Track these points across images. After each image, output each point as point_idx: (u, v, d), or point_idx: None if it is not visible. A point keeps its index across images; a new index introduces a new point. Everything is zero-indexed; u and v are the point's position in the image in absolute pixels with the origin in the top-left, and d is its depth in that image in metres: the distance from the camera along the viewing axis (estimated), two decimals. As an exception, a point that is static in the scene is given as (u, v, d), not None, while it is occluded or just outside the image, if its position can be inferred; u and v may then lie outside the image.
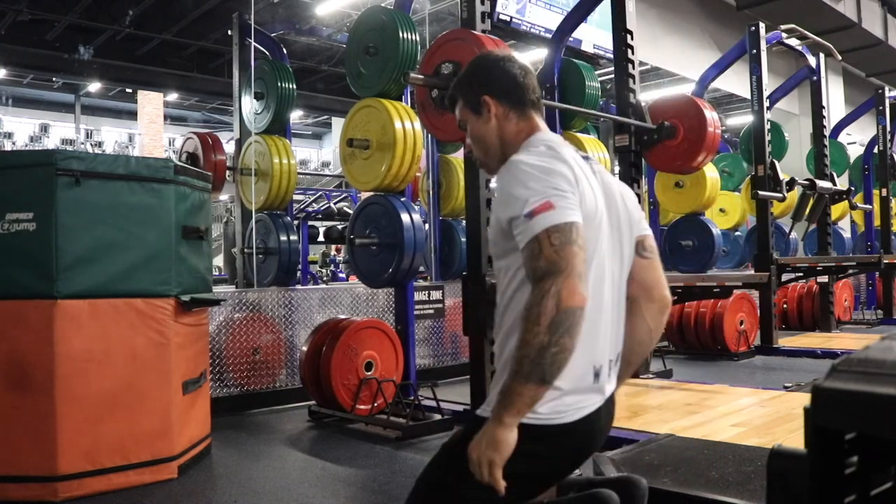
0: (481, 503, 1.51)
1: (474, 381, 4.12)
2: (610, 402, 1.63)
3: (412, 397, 4.28)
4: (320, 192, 10.80)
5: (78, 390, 3.01)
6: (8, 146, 19.53)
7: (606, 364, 1.57)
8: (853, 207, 8.84)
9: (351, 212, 6.82)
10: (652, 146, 5.19)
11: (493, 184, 4.13)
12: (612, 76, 5.51)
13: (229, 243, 8.24)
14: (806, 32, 7.22)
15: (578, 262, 1.37)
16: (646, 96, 6.24)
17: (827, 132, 8.11)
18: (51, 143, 20.91)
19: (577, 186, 1.46)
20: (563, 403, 1.48)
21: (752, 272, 7.03)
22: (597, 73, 6.41)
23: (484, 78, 1.69)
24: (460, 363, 5.87)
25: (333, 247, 14.23)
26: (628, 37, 5.09)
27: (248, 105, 6.05)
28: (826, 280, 7.73)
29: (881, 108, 9.28)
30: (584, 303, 1.36)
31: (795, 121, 12.68)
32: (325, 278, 13.70)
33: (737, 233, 9.38)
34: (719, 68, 6.97)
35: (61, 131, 21.60)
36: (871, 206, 9.64)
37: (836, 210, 9.04)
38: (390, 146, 4.35)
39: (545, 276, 1.36)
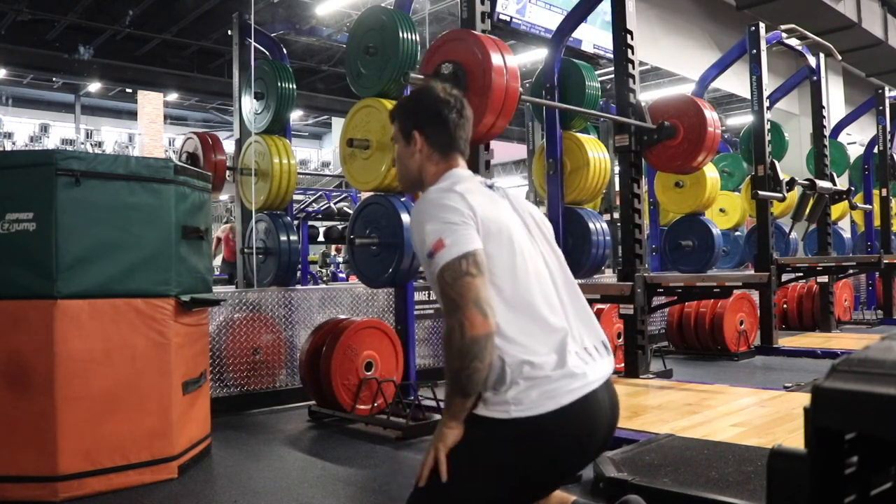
0: (487, 501, 1.60)
1: (474, 381, 4.12)
2: (606, 392, 1.67)
3: (412, 397, 4.28)
4: (320, 192, 10.79)
5: (78, 390, 3.01)
6: (8, 146, 19.53)
7: (575, 349, 1.64)
8: (853, 207, 8.84)
9: (351, 212, 6.82)
10: (652, 146, 5.19)
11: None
12: (612, 76, 5.51)
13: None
14: (806, 32, 7.22)
15: (473, 292, 1.55)
16: (646, 96, 6.24)
17: (827, 132, 8.11)
18: (51, 143, 20.92)
19: (475, 211, 1.63)
20: (536, 394, 1.56)
21: (752, 272, 7.03)
22: (597, 73, 6.41)
23: (421, 115, 1.84)
24: (460, 363, 5.85)
25: (333, 247, 14.22)
26: (628, 37, 5.10)
27: (248, 105, 6.04)
28: (826, 280, 7.73)
29: (881, 108, 9.28)
30: (487, 329, 1.55)
31: (795, 121, 12.68)
32: (325, 278, 13.70)
33: (737, 233, 9.38)
34: (719, 68, 6.97)
35: (61, 131, 21.61)
36: (871, 206, 9.64)
37: (836, 210, 9.04)
38: (390, 146, 4.35)
39: (448, 311, 1.58)
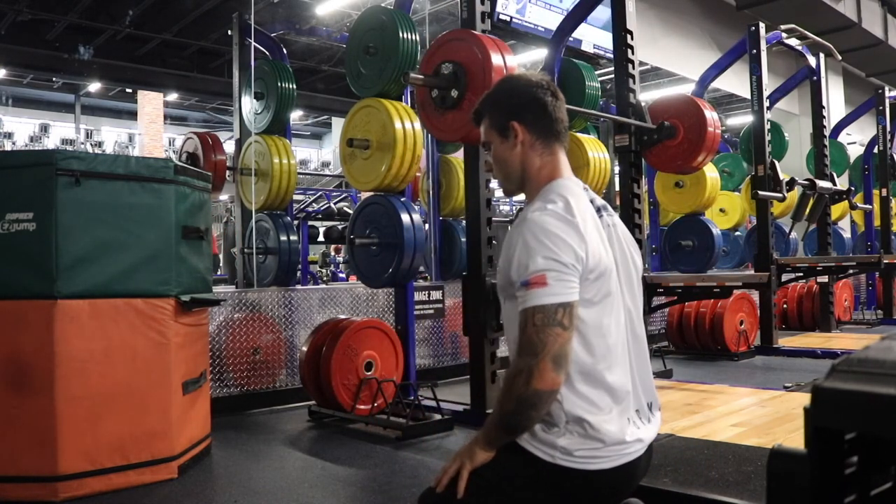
0: None
1: (474, 382, 4.12)
2: (648, 451, 1.64)
3: (412, 397, 4.28)
4: (320, 192, 10.79)
5: (78, 390, 3.00)
6: (8, 146, 19.53)
7: (634, 412, 1.59)
8: (853, 207, 8.83)
9: (351, 212, 6.82)
10: (652, 146, 5.18)
11: (493, 184, 4.14)
12: (612, 76, 5.51)
13: (229, 243, 8.25)
14: (806, 32, 7.22)
15: (557, 345, 1.45)
16: (646, 96, 6.24)
17: (827, 132, 8.10)
18: (51, 143, 20.92)
19: (587, 251, 1.51)
20: (587, 452, 1.51)
21: (752, 272, 7.03)
22: (597, 73, 6.41)
23: (515, 102, 1.66)
24: (460, 363, 5.87)
25: (332, 246, 14.22)
26: (628, 37, 5.09)
27: (248, 105, 6.04)
28: (826, 280, 7.73)
29: (881, 108, 9.28)
30: (554, 386, 1.46)
31: (795, 121, 12.68)
32: (325, 278, 13.70)
33: (737, 233, 9.38)
34: (719, 68, 6.97)
35: (61, 131, 21.61)
36: (871, 206, 9.64)
37: (836, 210, 9.04)
38: (390, 146, 4.35)
39: (522, 353, 1.47)
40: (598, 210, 1.65)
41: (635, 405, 1.60)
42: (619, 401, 1.55)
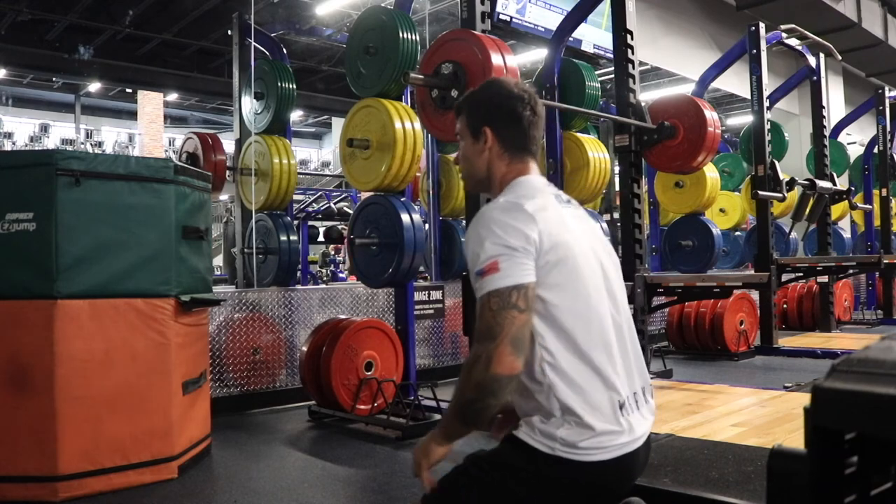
0: None
1: (474, 381, 4.11)
2: (646, 446, 1.61)
3: (412, 397, 4.28)
4: (320, 192, 10.80)
5: (78, 390, 3.00)
6: (8, 146, 19.53)
7: (626, 397, 1.57)
8: (853, 207, 8.84)
9: (351, 212, 6.82)
10: (652, 146, 5.18)
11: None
12: (612, 76, 5.51)
13: (229, 243, 8.25)
14: (806, 32, 7.22)
15: (515, 328, 1.46)
16: (646, 96, 6.24)
17: (827, 132, 8.10)
18: (51, 143, 20.92)
19: (542, 237, 1.51)
20: (585, 443, 1.49)
21: (752, 272, 7.03)
22: (597, 73, 6.41)
23: (492, 109, 1.69)
24: (460, 363, 5.84)
25: (332, 246, 14.22)
26: (628, 37, 5.09)
27: (248, 105, 6.04)
28: (826, 280, 7.73)
29: (881, 108, 9.28)
30: (512, 370, 1.46)
31: (795, 121, 12.68)
32: (325, 278, 13.70)
33: (737, 233, 9.38)
34: (719, 68, 6.97)
35: (61, 131, 21.60)
36: (871, 206, 9.64)
37: (836, 210, 9.04)
38: (390, 146, 4.35)
39: (480, 339, 1.48)
40: (568, 202, 1.69)
41: (628, 390, 1.58)
42: (609, 386, 1.53)
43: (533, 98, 1.69)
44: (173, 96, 20.23)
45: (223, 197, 13.55)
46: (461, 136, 1.74)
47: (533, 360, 1.51)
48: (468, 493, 1.53)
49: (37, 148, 19.80)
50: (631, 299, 4.73)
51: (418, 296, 4.88)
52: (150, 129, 19.55)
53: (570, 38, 6.19)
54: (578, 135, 5.90)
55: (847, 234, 10.61)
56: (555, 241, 1.52)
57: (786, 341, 6.92)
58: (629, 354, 1.62)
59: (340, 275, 14.37)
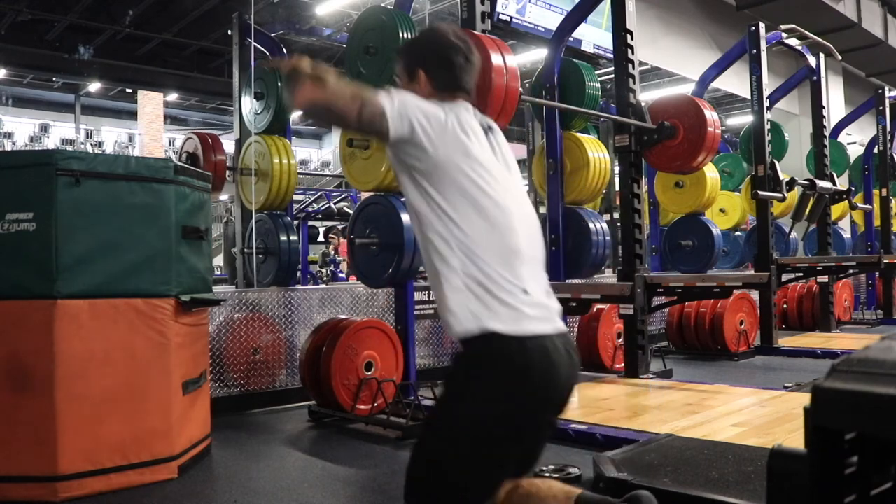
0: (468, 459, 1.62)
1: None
2: (567, 343, 1.71)
3: (412, 397, 4.28)
4: (320, 192, 10.80)
5: (78, 390, 3.00)
6: (8, 146, 19.52)
7: (532, 288, 1.69)
8: (853, 207, 8.84)
9: (351, 212, 6.82)
10: (652, 146, 5.19)
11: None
12: (612, 76, 5.51)
13: (229, 243, 8.25)
14: (806, 32, 7.23)
15: (369, 111, 1.64)
16: (646, 96, 6.24)
17: (827, 132, 8.11)
18: (51, 143, 20.89)
19: (446, 127, 1.69)
20: (507, 312, 1.62)
21: (752, 272, 7.03)
22: (597, 73, 6.41)
23: (427, 54, 1.88)
24: (460, 363, 5.85)
25: (332, 246, 14.21)
26: (628, 37, 5.10)
27: (248, 105, 6.04)
28: (826, 280, 7.73)
29: (881, 108, 9.28)
30: (379, 107, 1.64)
31: (795, 121, 12.68)
32: (325, 278, 13.70)
33: (737, 233, 9.38)
34: (719, 68, 6.97)
35: (61, 131, 21.58)
36: (871, 206, 9.64)
37: (836, 210, 9.04)
38: (390, 146, 4.35)
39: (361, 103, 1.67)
40: (486, 129, 1.83)
41: (539, 282, 1.72)
42: (523, 263, 1.68)
43: (466, 46, 1.86)
44: (173, 96, 20.23)
45: (223, 197, 13.54)
46: (399, 76, 1.93)
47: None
48: (444, 415, 1.67)
49: (37, 148, 19.79)
50: (631, 299, 4.73)
51: (418, 296, 4.88)
52: (150, 129, 19.54)
53: (570, 38, 6.19)
54: (578, 135, 5.89)
55: (847, 234, 10.61)
56: (466, 140, 1.70)
57: (786, 341, 6.92)
58: (541, 252, 1.80)
59: (340, 275, 14.36)
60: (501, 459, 1.63)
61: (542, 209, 6.75)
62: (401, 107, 1.65)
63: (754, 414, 3.76)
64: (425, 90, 1.82)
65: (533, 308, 1.65)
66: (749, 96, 6.88)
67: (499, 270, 1.64)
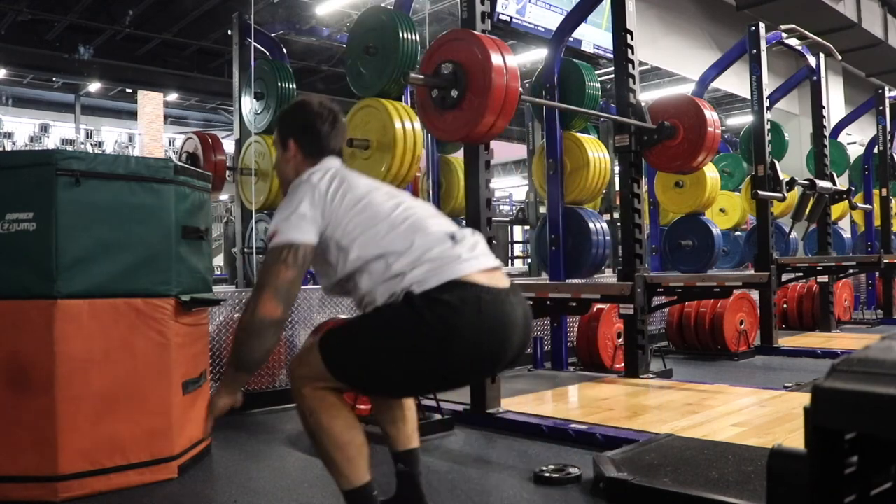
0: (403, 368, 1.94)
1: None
2: (517, 295, 1.88)
3: (412, 397, 4.27)
4: (320, 192, 10.78)
5: (78, 390, 3.00)
6: (8, 146, 19.52)
7: (459, 240, 1.88)
8: (853, 207, 8.84)
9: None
10: (652, 146, 5.19)
11: (492, 184, 4.13)
12: (612, 76, 5.51)
13: (229, 243, 8.25)
14: (806, 32, 7.23)
15: (280, 280, 1.77)
16: (646, 96, 6.24)
17: (827, 132, 8.11)
18: (51, 143, 20.89)
19: (326, 196, 1.88)
20: (434, 276, 1.77)
21: (752, 272, 7.03)
22: (597, 73, 6.41)
23: (296, 125, 2.10)
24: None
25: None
26: (628, 37, 5.09)
27: (248, 105, 6.04)
28: (826, 280, 7.73)
29: (881, 108, 9.28)
30: (274, 314, 1.78)
31: (795, 121, 12.68)
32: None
33: (737, 233, 9.38)
34: (719, 68, 6.98)
35: (61, 131, 21.57)
36: (871, 206, 9.64)
37: (836, 210, 9.04)
38: (390, 146, 4.35)
39: (254, 289, 1.83)
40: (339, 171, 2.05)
41: (467, 244, 1.89)
42: (437, 235, 1.86)
43: (333, 114, 2.09)
44: (173, 96, 20.22)
45: (223, 197, 13.55)
46: (275, 146, 2.16)
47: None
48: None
49: (37, 148, 19.79)
50: (631, 299, 4.73)
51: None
52: (150, 129, 19.54)
53: (570, 38, 6.19)
54: (578, 135, 5.89)
55: (847, 234, 10.61)
56: (342, 195, 1.89)
57: (786, 341, 6.92)
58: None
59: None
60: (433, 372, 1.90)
61: (543, 209, 6.75)
62: (296, 220, 1.83)
63: (754, 414, 3.76)
64: (298, 158, 2.07)
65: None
66: (749, 96, 6.87)
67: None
